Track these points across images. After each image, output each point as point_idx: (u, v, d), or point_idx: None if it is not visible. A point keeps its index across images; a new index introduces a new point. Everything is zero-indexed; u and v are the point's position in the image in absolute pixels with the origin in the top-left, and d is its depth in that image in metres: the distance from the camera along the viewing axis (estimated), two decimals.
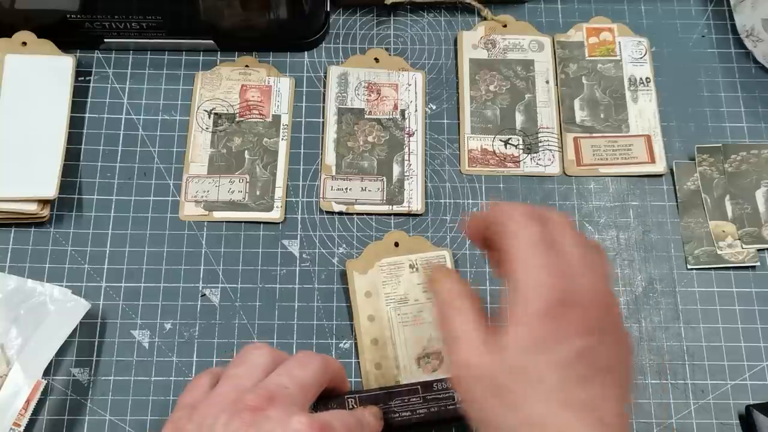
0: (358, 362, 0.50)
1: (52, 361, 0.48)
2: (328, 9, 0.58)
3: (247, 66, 0.58)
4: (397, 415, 0.44)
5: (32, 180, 0.52)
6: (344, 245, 0.53)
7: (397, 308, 0.51)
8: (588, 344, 0.34)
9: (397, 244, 0.52)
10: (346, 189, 0.54)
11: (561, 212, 0.40)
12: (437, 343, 0.50)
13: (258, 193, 0.54)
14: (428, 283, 0.44)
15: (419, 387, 0.45)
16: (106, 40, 0.57)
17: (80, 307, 0.49)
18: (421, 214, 0.54)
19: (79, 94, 0.56)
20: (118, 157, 0.55)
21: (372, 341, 0.50)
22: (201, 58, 0.58)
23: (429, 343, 0.50)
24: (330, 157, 0.55)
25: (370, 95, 0.57)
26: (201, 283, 0.52)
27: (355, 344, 0.50)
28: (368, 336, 0.50)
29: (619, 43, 0.59)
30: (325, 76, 0.58)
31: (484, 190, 0.55)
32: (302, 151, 0.56)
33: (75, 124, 0.55)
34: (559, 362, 0.34)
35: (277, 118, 0.56)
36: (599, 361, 0.34)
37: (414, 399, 0.45)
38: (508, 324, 0.35)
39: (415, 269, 0.52)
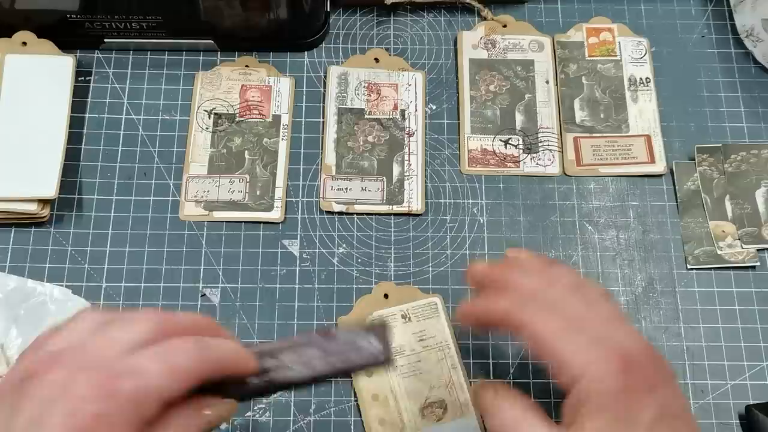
0: (362, 421, 0.48)
1: None
2: (328, 9, 0.58)
3: (247, 66, 0.58)
4: (290, 370, 0.35)
5: (32, 180, 0.52)
6: (344, 245, 0.53)
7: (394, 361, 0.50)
8: (658, 403, 0.34)
9: (386, 296, 0.51)
10: (346, 189, 0.54)
11: (561, 267, 0.41)
12: (438, 391, 0.49)
13: (258, 193, 0.54)
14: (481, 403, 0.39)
15: (316, 336, 0.36)
16: (106, 40, 0.57)
17: (80, 307, 0.49)
18: (421, 214, 0.54)
19: (79, 94, 0.56)
20: (118, 157, 0.55)
21: (372, 397, 0.49)
22: (201, 58, 0.58)
23: (431, 392, 0.49)
24: (330, 157, 0.55)
25: (370, 95, 0.57)
26: (201, 283, 0.52)
27: (356, 404, 0.49)
28: (368, 393, 0.49)
29: (619, 43, 0.59)
30: (325, 76, 0.58)
31: (484, 190, 0.55)
32: (302, 151, 0.56)
33: (75, 124, 0.55)
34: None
35: (277, 118, 0.56)
36: (670, 411, 0.35)
37: (310, 351, 0.36)
38: (579, 418, 0.34)
39: (407, 319, 0.51)
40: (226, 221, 0.53)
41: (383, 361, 0.36)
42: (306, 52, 0.59)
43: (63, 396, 0.28)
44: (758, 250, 0.53)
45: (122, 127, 0.56)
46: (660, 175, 0.56)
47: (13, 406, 0.28)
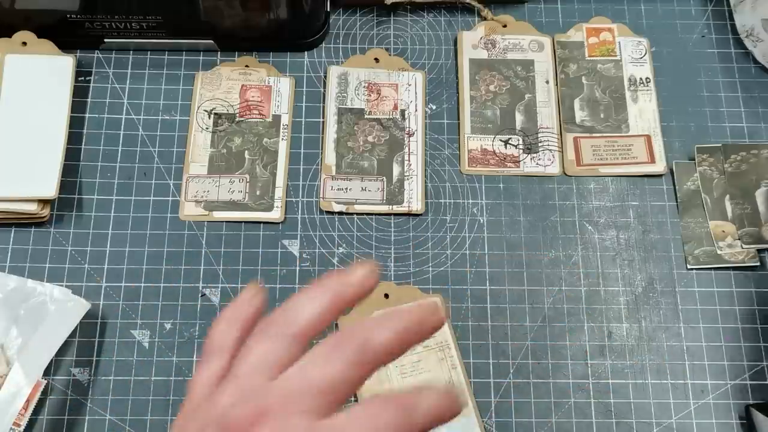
0: None
1: (52, 361, 0.48)
2: (328, 9, 0.58)
3: (247, 66, 0.58)
4: None
5: (32, 180, 0.52)
6: (344, 245, 0.53)
7: (395, 360, 0.49)
8: None
9: (387, 296, 0.51)
10: (346, 189, 0.54)
11: None
12: None
13: (258, 193, 0.54)
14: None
15: None
16: (106, 40, 0.57)
17: (80, 307, 0.49)
18: (420, 214, 0.54)
19: (79, 94, 0.56)
20: (118, 157, 0.55)
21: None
22: (201, 58, 0.58)
23: None
24: (330, 157, 0.55)
25: (370, 95, 0.57)
26: (201, 283, 0.52)
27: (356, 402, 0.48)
28: (368, 393, 0.47)
29: (619, 43, 0.59)
30: (325, 76, 0.58)
31: (484, 190, 0.55)
32: (302, 151, 0.56)
33: (75, 124, 0.55)
34: None
35: (277, 118, 0.56)
36: None
37: None
38: None
39: None
40: (226, 221, 0.53)
41: None
42: (306, 52, 0.59)
43: None
44: (758, 250, 0.53)
45: (122, 127, 0.56)
46: (660, 175, 0.56)
47: None
